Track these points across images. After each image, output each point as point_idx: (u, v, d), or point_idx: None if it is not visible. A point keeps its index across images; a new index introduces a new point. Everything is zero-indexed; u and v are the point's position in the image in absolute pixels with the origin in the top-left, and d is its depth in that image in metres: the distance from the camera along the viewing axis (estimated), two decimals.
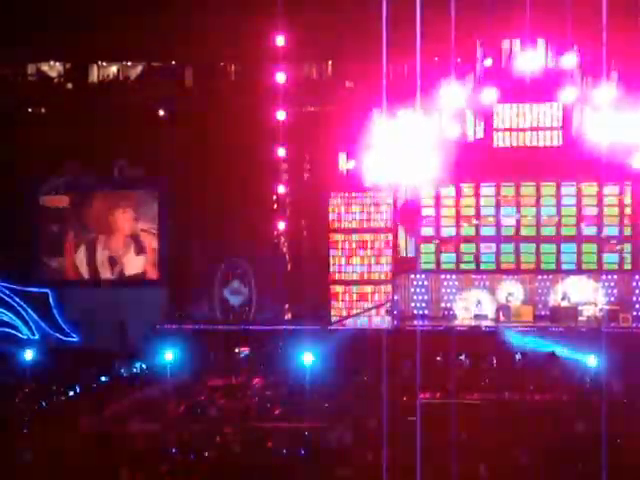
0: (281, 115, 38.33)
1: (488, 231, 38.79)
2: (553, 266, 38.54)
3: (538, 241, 38.54)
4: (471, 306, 38.57)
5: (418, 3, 33.68)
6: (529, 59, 36.99)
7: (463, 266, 38.89)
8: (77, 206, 40.30)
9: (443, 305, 39.00)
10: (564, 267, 38.48)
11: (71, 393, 31.81)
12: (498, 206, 38.74)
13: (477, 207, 38.77)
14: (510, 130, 38.03)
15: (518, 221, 38.59)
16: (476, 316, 38.25)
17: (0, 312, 38.76)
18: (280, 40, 38.03)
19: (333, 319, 37.69)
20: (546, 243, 38.47)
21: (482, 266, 38.81)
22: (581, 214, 38.29)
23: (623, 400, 29.06)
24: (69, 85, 41.45)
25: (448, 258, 38.89)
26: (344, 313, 37.71)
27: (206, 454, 25.19)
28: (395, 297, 38.17)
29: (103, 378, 33.78)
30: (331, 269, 37.91)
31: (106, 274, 40.12)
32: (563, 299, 38.20)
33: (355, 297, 37.85)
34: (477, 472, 23.10)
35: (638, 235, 37.97)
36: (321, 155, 38.35)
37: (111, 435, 26.59)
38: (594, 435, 22.78)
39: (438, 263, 38.97)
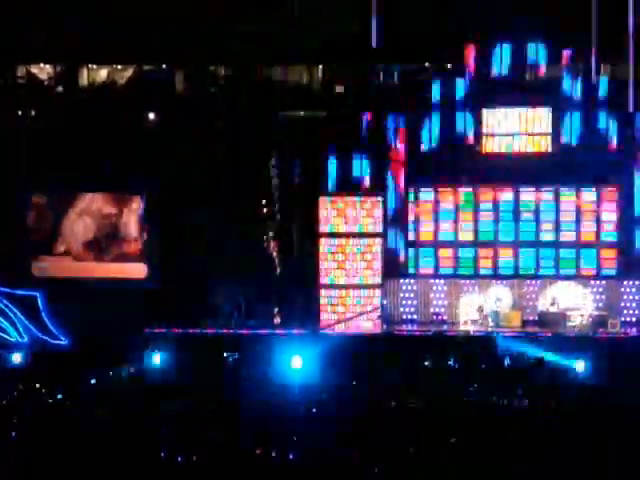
0: (272, 119, 38.35)
1: (480, 236, 38.93)
2: (541, 271, 38.66)
3: (527, 246, 38.68)
4: (460, 311, 38.64)
5: (409, 9, 33.90)
6: (519, 63, 37.18)
7: (452, 271, 38.98)
8: (67, 208, 40.24)
9: (432, 310, 39.05)
10: (552, 272, 38.60)
11: (59, 396, 31.72)
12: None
13: (463, 211, 38.91)
14: (499, 135, 38.20)
15: (500, 225, 38.80)
16: (465, 321, 38.33)
17: None
18: (271, 44, 38.09)
19: (323, 323, 37.73)
20: (535, 248, 38.62)
21: (471, 271, 38.91)
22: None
23: (611, 405, 29.13)
24: (59, 88, 41.41)
25: (438, 263, 38.96)
26: (334, 317, 37.75)
27: (194, 457, 25.17)
28: (385, 302, 38.23)
29: (92, 381, 33.70)
30: (321, 273, 37.99)
31: (95, 277, 40.04)
32: (552, 305, 38.30)
33: (345, 301, 37.91)
34: (466, 475, 23.16)
35: (626, 241, 38.17)
36: (312, 159, 38.42)
37: (99, 438, 26.53)
38: (582, 439, 22.97)
39: (428, 268, 39.06)
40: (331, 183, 38.17)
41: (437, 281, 39.14)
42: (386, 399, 28.73)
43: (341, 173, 37.98)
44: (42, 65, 41.35)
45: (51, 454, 24.74)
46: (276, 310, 38.57)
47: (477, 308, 38.44)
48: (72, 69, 41.18)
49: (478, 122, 38.03)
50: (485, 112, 38.03)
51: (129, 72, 41.25)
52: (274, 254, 39.22)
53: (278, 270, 39.30)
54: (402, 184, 38.43)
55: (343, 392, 30.98)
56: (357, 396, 29.94)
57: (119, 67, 41.20)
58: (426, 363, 33.68)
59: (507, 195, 38.50)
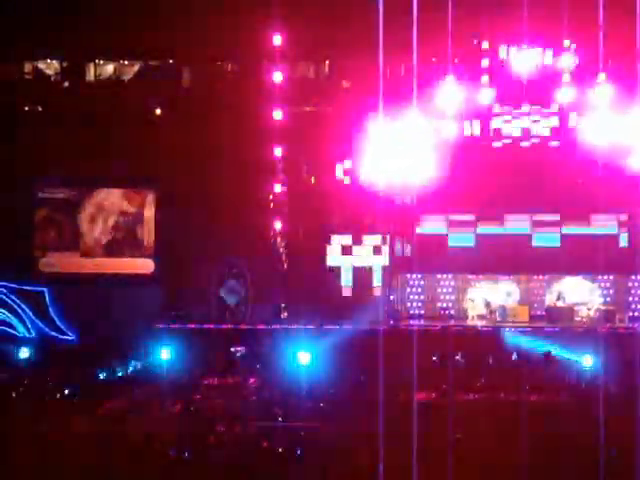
0: (278, 115, 38.33)
1: (485, 231, 38.86)
2: (549, 266, 38.56)
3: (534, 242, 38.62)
4: (467, 306, 38.63)
5: (415, 3, 33.78)
6: (526, 60, 37.06)
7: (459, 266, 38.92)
8: (74, 205, 40.29)
9: (439, 305, 39.05)
10: (560, 267, 38.49)
11: (66, 391, 31.77)
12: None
13: (473, 208, 38.82)
14: (507, 132, 38.14)
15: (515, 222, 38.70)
16: (472, 316, 38.31)
17: None
18: (277, 39, 38.03)
19: (330, 319, 37.70)
20: (542, 244, 38.54)
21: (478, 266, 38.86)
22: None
23: (618, 400, 29.07)
24: (66, 83, 41.38)
25: (444, 258, 38.89)
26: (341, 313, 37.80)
27: (202, 453, 25.20)
28: (391, 297, 38.23)
29: (99, 376, 33.77)
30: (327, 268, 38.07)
31: (102, 272, 40.06)
32: (558, 299, 38.27)
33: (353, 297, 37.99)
34: (474, 472, 23.16)
35: (634, 234, 38.06)
36: (318, 154, 38.38)
37: (106, 434, 26.58)
38: (590, 435, 22.93)
39: (434, 263, 38.99)
40: (339, 178, 38.23)
41: (444, 276, 39.11)
42: (393, 395, 28.69)
43: (349, 167, 38.00)
44: (49, 61, 41.32)
45: (54, 451, 24.84)
46: (283, 305, 38.60)
47: (485, 303, 38.42)
48: (79, 65, 41.14)
49: (489, 118, 38.03)
50: (497, 108, 37.98)
51: (136, 68, 41.21)
52: (281, 249, 39.22)
53: (285, 265, 39.30)
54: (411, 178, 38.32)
55: (350, 388, 31.00)
56: (364, 392, 29.92)
57: (126, 63, 41.16)
58: (434, 358, 33.62)
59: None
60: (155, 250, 39.82)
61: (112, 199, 40.28)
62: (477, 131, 38.05)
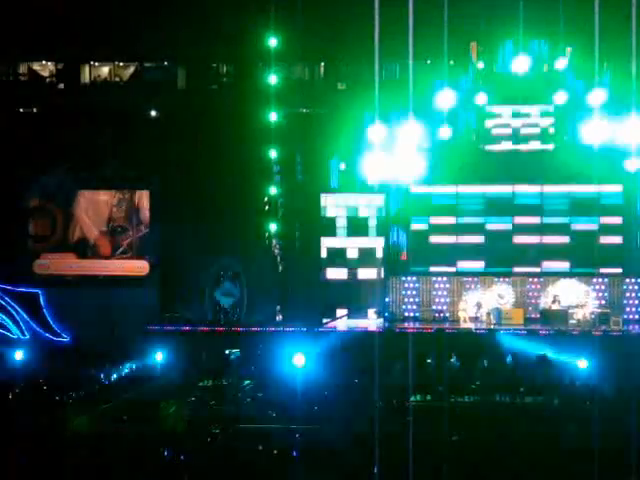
0: (273, 116, 38.35)
1: (480, 232, 38.88)
2: (544, 269, 38.58)
3: (529, 244, 38.62)
4: (462, 308, 38.60)
5: (411, 5, 33.77)
6: (522, 62, 37.10)
7: (455, 268, 38.94)
8: (68, 206, 40.26)
9: (434, 307, 39.01)
10: (555, 270, 38.54)
11: (61, 394, 31.71)
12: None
13: (469, 209, 38.85)
14: (502, 133, 38.17)
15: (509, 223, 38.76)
16: (464, 317, 38.29)
17: None
18: (273, 42, 38.06)
19: (324, 320, 37.72)
20: (537, 246, 38.56)
21: (474, 269, 38.86)
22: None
23: (613, 402, 29.11)
24: (61, 85, 41.37)
25: (440, 260, 38.89)
26: (336, 315, 37.81)
27: (197, 454, 25.19)
28: (386, 299, 38.22)
29: (94, 378, 33.71)
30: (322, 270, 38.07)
31: (96, 274, 40.03)
32: (554, 302, 38.26)
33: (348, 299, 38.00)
34: (469, 473, 23.18)
35: (628, 238, 38.10)
36: (313, 156, 38.41)
37: (102, 435, 26.56)
38: (585, 436, 22.97)
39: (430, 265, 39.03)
40: (334, 179, 38.28)
41: (439, 278, 39.08)
42: (388, 396, 28.72)
43: (344, 169, 38.03)
44: (44, 62, 41.31)
45: (52, 452, 24.83)
46: (278, 307, 38.58)
47: (479, 306, 38.40)
48: (74, 66, 41.13)
49: (481, 119, 38.08)
50: (492, 109, 38.04)
51: (131, 69, 41.23)
52: (276, 251, 39.21)
53: (280, 267, 39.29)
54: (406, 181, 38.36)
55: (345, 390, 30.98)
56: (359, 394, 29.92)
57: (121, 64, 41.17)
58: (428, 361, 33.61)
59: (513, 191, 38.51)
60: (150, 252, 39.78)
61: (106, 200, 40.25)
62: (472, 133, 38.11)
